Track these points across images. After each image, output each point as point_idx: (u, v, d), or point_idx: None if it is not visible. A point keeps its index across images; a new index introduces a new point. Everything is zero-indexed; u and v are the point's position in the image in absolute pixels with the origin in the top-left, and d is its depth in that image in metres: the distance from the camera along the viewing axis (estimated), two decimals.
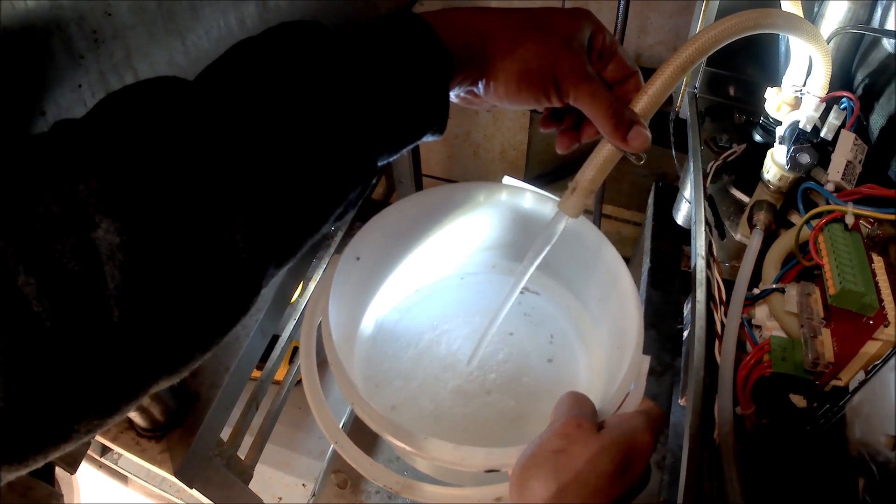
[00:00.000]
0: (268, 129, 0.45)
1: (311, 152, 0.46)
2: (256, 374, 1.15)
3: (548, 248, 0.68)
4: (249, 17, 0.82)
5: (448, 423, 0.78)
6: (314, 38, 0.50)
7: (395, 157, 0.54)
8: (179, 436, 0.91)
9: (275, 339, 1.23)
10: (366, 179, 0.51)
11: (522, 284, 0.71)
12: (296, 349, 1.44)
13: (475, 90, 0.58)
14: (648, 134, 0.58)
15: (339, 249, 0.79)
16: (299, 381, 1.40)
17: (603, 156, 0.61)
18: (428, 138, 0.56)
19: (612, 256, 0.76)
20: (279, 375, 1.55)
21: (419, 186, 1.79)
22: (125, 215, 0.38)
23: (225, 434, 1.05)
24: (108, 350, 0.39)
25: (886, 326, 0.55)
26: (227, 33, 0.78)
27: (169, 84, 0.45)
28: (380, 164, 0.53)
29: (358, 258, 0.77)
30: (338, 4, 1.05)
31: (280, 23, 0.51)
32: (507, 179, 0.85)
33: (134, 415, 0.88)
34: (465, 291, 0.93)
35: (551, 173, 1.90)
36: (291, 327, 1.27)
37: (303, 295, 1.30)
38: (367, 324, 0.87)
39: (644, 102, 0.59)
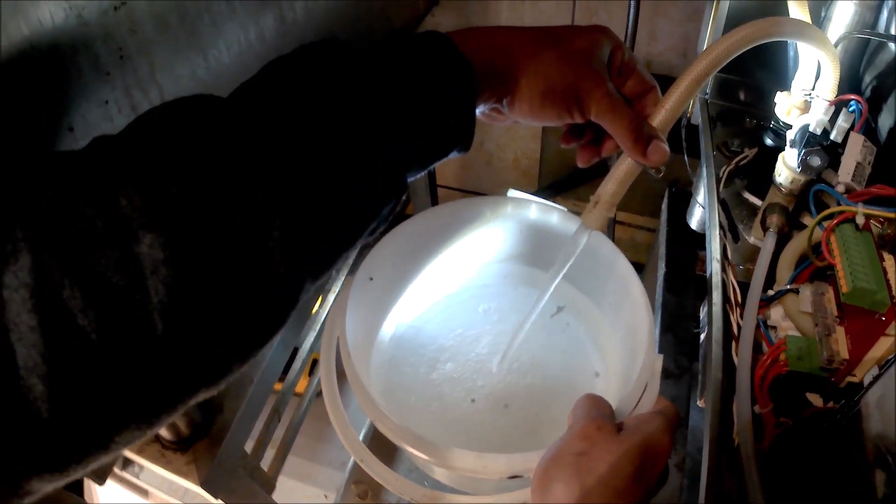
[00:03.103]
0: (303, 146, 0.46)
1: (345, 169, 0.48)
2: (278, 386, 1.16)
3: (572, 260, 0.69)
4: (268, 31, 0.84)
5: (466, 434, 0.79)
6: (345, 59, 0.51)
7: (422, 174, 0.56)
8: (205, 447, 0.93)
9: (295, 351, 1.24)
10: (398, 195, 0.53)
11: (547, 296, 0.72)
12: (315, 361, 1.46)
13: (500, 107, 0.59)
14: (667, 148, 0.60)
15: (353, 269, 0.80)
16: (320, 393, 1.41)
17: (623, 170, 0.62)
18: (454, 155, 0.57)
19: (623, 265, 0.77)
20: (300, 387, 1.56)
21: (434, 197, 1.81)
22: (168, 231, 0.40)
23: (248, 446, 1.06)
24: (151, 362, 0.40)
25: None
26: (248, 48, 0.80)
27: (205, 102, 0.47)
28: (409, 180, 0.54)
29: (371, 278, 0.78)
30: (353, 19, 1.07)
31: (311, 42, 0.53)
32: (511, 192, 0.87)
33: None
34: (479, 303, 0.94)
35: (564, 181, 1.92)
36: (311, 340, 1.28)
37: (322, 307, 1.31)
38: (384, 339, 0.88)
39: (661, 117, 0.60)
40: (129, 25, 0.64)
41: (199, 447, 0.92)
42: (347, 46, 0.53)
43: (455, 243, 0.89)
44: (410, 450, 0.64)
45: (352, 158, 0.48)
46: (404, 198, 0.54)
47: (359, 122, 0.49)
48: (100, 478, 0.84)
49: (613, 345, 0.85)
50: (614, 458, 0.53)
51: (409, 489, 0.65)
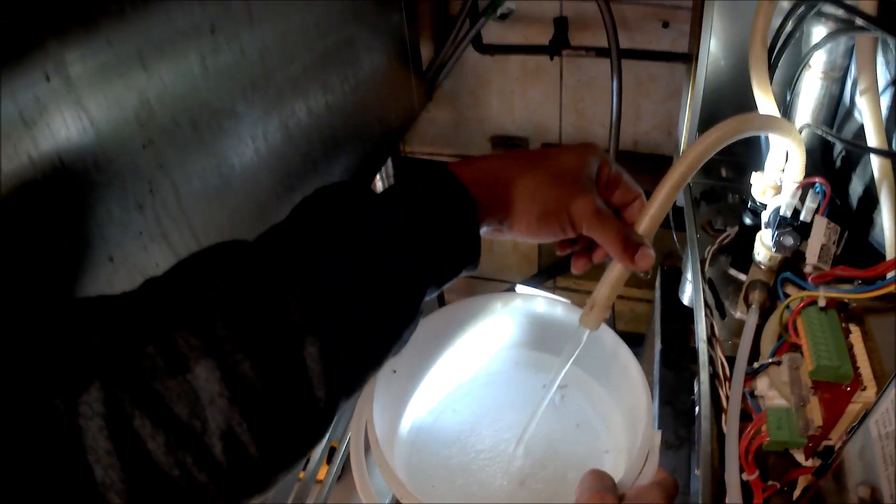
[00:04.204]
0: (333, 280, 0.52)
1: (371, 298, 0.54)
2: (301, 475, 1.20)
3: (574, 355, 0.75)
4: (273, 140, 0.91)
5: None
6: (363, 201, 0.58)
7: (437, 293, 0.62)
8: None
9: None
10: (415, 319, 0.59)
11: (555, 387, 0.78)
12: (333, 449, 1.50)
13: (500, 228, 0.65)
14: (653, 254, 0.66)
15: None
16: (339, 479, 1.45)
17: (614, 275, 0.68)
18: (465, 273, 0.63)
19: (623, 352, 0.83)
20: (320, 475, 1.60)
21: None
22: (220, 365, 0.46)
23: None
24: (211, 478, 0.46)
25: (864, 390, 0.61)
26: (258, 160, 0.88)
27: (239, 246, 0.53)
28: (427, 298, 0.60)
29: (394, 371, 0.84)
30: (352, 122, 1.14)
31: (331, 184, 0.60)
32: (520, 288, 0.93)
33: None
34: (493, 389, 0.99)
35: (562, 263, 1.97)
36: (329, 429, 1.32)
37: None
38: (406, 426, 0.93)
39: (646, 224, 0.67)
40: (157, 161, 0.71)
41: None
42: (364, 189, 0.59)
43: (469, 335, 0.95)
44: None
45: (376, 288, 0.54)
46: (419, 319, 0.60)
47: (381, 257, 0.55)
48: None
49: (617, 422, 0.90)
50: None
51: None
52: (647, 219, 0.67)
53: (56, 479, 0.41)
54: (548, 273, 1.97)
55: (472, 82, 1.73)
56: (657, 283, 1.29)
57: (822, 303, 0.69)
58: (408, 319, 0.57)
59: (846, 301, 0.70)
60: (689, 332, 1.16)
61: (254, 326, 0.48)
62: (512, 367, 1.00)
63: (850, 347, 0.65)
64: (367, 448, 0.76)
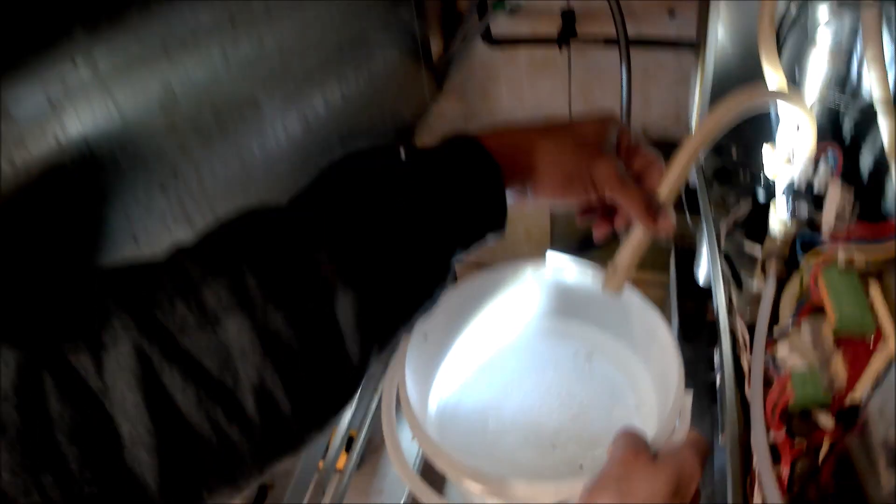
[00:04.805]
0: (365, 234, 0.53)
1: (403, 253, 0.55)
2: (320, 464, 1.21)
3: None
4: (294, 132, 0.93)
5: (517, 474, 0.84)
6: (392, 163, 0.59)
7: (462, 257, 0.63)
8: None
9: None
10: (445, 276, 0.60)
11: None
12: (352, 439, 1.51)
13: (524, 193, 0.67)
14: (673, 219, 0.68)
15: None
16: (359, 467, 1.46)
17: (636, 239, 0.70)
18: (491, 237, 0.64)
19: (650, 313, 0.85)
20: (339, 464, 1.60)
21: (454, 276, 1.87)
22: (252, 318, 0.46)
23: None
24: (241, 434, 0.46)
25: (886, 345, 0.63)
26: (278, 149, 0.90)
27: (271, 209, 0.54)
28: (453, 266, 0.61)
29: (426, 336, 0.85)
30: (367, 113, 1.16)
31: (358, 149, 0.61)
32: (550, 254, 0.94)
33: None
34: (523, 357, 1.01)
35: (574, 249, 1.98)
36: (349, 418, 1.33)
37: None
38: (437, 391, 0.95)
39: (667, 190, 0.69)
40: (181, 145, 0.73)
41: None
42: (392, 151, 0.61)
43: (498, 302, 0.96)
44: (466, 482, 0.70)
45: (408, 246, 0.55)
46: (450, 278, 0.61)
47: (409, 216, 0.56)
48: None
49: (647, 385, 0.91)
50: (651, 483, 0.60)
51: None
52: (667, 185, 0.68)
53: (80, 439, 0.40)
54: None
55: (481, 75, 1.74)
56: (672, 264, 1.30)
57: (840, 259, 0.70)
58: (438, 277, 0.59)
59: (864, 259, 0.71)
60: (706, 309, 1.17)
61: (285, 280, 0.48)
62: (542, 336, 1.02)
63: (870, 304, 0.66)
64: (399, 414, 0.77)
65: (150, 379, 0.43)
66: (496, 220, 0.63)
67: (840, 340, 0.67)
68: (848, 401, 0.64)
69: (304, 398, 0.49)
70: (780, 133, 0.92)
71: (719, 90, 1.13)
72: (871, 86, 0.81)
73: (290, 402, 0.48)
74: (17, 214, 0.58)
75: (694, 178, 1.11)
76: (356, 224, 0.53)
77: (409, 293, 0.57)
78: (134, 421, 0.42)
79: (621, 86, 1.44)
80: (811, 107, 0.93)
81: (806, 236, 0.80)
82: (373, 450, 1.85)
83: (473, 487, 0.70)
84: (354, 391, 0.54)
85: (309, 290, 0.49)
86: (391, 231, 0.54)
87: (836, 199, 0.79)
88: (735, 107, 0.70)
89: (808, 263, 0.74)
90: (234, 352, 0.45)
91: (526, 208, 0.70)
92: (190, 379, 0.44)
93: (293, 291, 0.48)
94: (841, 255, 0.70)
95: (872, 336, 0.63)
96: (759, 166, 0.99)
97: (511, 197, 0.66)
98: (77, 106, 0.63)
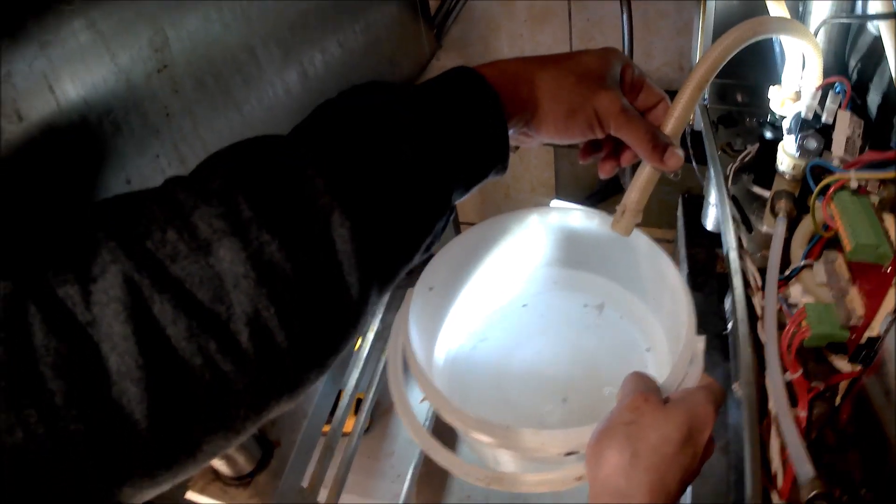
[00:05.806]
0: (362, 165, 0.51)
1: (401, 184, 0.52)
2: (326, 428, 1.20)
3: None
4: (293, 86, 0.90)
5: (527, 425, 0.83)
6: (391, 95, 0.56)
7: (465, 197, 0.60)
8: (265, 481, 0.97)
9: (339, 394, 1.28)
10: (446, 211, 0.57)
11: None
12: (359, 401, 1.50)
13: (527, 130, 0.64)
14: (681, 153, 0.65)
15: (413, 281, 0.85)
16: (367, 431, 1.44)
17: (644, 177, 0.67)
18: (493, 176, 0.61)
19: (659, 256, 0.82)
20: (347, 427, 1.60)
21: (457, 233, 1.86)
22: (246, 246, 0.44)
23: (304, 483, 1.10)
24: (237, 370, 0.44)
25: None
26: (276, 102, 0.87)
27: (268, 138, 0.52)
28: (455, 201, 0.59)
29: (431, 288, 0.83)
30: (366, 70, 1.14)
31: (355, 85, 0.58)
32: (555, 202, 0.92)
33: (220, 464, 0.94)
34: (530, 307, 0.99)
35: (580, 202, 1.97)
36: (355, 380, 1.32)
37: (362, 347, 1.35)
38: (444, 343, 0.93)
39: (673, 124, 0.65)
40: (172, 86, 0.70)
41: (259, 481, 0.97)
42: (391, 85, 0.58)
43: (504, 252, 0.94)
44: (474, 434, 0.68)
45: (406, 175, 0.53)
46: (451, 216, 0.59)
47: (409, 145, 0.53)
48: None
49: (658, 332, 0.89)
50: (662, 427, 0.58)
51: (473, 472, 0.69)
52: (673, 119, 0.65)
53: (65, 373, 0.38)
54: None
55: (481, 27, 1.70)
56: (679, 213, 1.28)
57: (853, 184, 0.67)
58: (439, 211, 0.56)
59: (875, 191, 0.69)
60: (715, 257, 1.16)
61: (280, 206, 0.46)
62: (549, 287, 1.00)
63: (885, 233, 0.64)
64: (408, 372, 0.76)
65: (139, 310, 0.41)
66: (497, 152, 0.60)
67: (856, 272, 0.65)
68: (866, 335, 0.62)
69: (301, 331, 0.47)
70: (787, 70, 0.89)
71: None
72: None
73: (285, 335, 0.45)
74: (15, 165, 0.56)
75: (699, 123, 1.09)
76: (353, 153, 0.51)
77: (409, 225, 0.54)
78: (122, 353, 0.40)
79: (622, 36, 1.41)
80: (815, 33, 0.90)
81: (817, 163, 0.77)
82: (382, 413, 1.85)
83: (482, 438, 0.68)
84: (354, 329, 0.51)
85: (305, 217, 0.47)
86: (388, 160, 0.52)
87: (844, 128, 0.77)
88: (740, 37, 0.66)
89: (818, 194, 0.72)
90: (227, 281, 0.43)
91: (530, 145, 0.67)
92: (181, 309, 0.42)
93: (288, 218, 0.46)
94: (853, 180, 0.67)
95: (889, 266, 0.61)
96: (765, 110, 0.96)
97: (514, 137, 0.64)
98: (74, 65, 0.61)
